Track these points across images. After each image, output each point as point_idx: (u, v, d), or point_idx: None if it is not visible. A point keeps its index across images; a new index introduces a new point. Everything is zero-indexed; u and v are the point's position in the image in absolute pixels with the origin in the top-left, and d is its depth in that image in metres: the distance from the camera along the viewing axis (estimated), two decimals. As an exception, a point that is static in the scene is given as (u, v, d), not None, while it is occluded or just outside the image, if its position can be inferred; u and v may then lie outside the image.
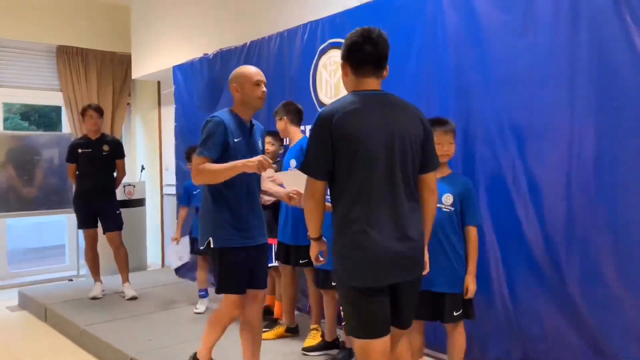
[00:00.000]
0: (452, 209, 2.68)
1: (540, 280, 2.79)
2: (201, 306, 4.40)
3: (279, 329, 3.74)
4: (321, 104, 3.95)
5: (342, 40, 3.65)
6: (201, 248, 2.79)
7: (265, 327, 3.74)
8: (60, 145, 6.21)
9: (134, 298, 4.85)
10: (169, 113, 6.53)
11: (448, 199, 2.68)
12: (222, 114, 2.77)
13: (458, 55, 3.11)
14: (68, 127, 6.72)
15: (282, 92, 4.36)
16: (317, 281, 3.33)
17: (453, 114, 3.08)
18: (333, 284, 3.14)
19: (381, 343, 2.07)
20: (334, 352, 3.33)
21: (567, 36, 2.66)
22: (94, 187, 4.86)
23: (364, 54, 2.13)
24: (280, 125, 3.60)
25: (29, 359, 3.83)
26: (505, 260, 2.93)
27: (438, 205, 2.60)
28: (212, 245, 2.72)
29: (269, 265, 3.82)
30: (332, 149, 2.02)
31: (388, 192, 2.03)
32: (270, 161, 2.58)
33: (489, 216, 2.97)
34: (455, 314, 2.69)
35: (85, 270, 6.32)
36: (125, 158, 5.15)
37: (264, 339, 3.56)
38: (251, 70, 2.83)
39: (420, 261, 2.14)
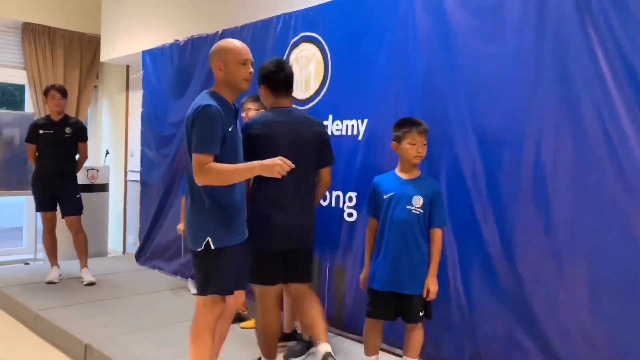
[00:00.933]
0: (422, 211, 2.70)
1: (495, 281, 2.86)
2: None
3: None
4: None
5: (316, 35, 3.77)
6: (198, 250, 2.46)
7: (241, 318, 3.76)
8: (22, 125, 6.03)
9: (91, 283, 4.77)
10: (136, 98, 6.41)
11: (419, 201, 2.69)
12: (209, 99, 2.40)
13: (427, 57, 3.15)
14: (31, 106, 6.54)
15: (253, 84, 4.32)
16: None
17: (419, 114, 3.11)
18: None
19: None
20: (292, 343, 3.35)
21: (532, 44, 2.73)
22: (54, 170, 4.76)
23: (279, 80, 2.89)
24: (253, 115, 3.55)
25: (-22, 343, 3.73)
26: (462, 260, 3.00)
27: (408, 207, 2.68)
28: (212, 247, 2.43)
29: None
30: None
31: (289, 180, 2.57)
32: (289, 162, 2.33)
33: (449, 217, 3.02)
34: (420, 314, 2.74)
35: (42, 254, 6.18)
36: (88, 141, 5.05)
37: (245, 328, 3.66)
38: (237, 45, 2.49)
39: (306, 235, 2.88)
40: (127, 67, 6.71)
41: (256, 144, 2.73)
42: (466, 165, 2.95)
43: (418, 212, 2.69)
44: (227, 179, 2.40)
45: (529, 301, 2.73)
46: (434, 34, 3.12)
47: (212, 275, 2.49)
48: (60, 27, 6.63)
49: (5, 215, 7.94)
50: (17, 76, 6.55)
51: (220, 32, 4.68)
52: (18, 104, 7.41)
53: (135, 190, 6.40)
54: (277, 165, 2.30)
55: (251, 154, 2.61)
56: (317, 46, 3.78)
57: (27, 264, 5.96)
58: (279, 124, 2.81)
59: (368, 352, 2.88)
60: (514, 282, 2.79)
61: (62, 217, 4.87)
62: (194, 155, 2.37)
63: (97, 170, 6.20)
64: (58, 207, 4.90)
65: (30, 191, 6.08)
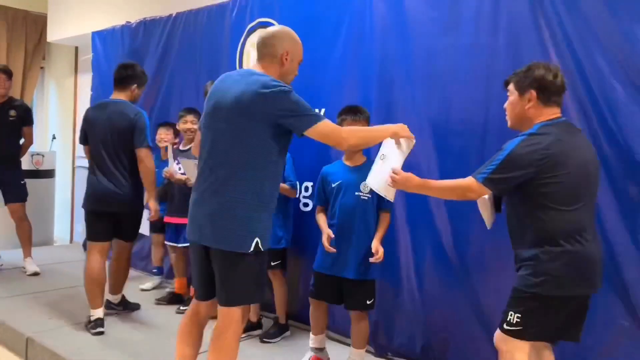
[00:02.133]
0: (370, 196, 2.74)
1: (446, 271, 2.90)
2: (150, 283, 4.28)
3: None
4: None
5: (271, 20, 3.70)
6: (246, 252, 2.14)
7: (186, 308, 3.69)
8: (-39, 107, 5.71)
9: (35, 274, 4.58)
10: (86, 81, 6.16)
11: (366, 187, 2.70)
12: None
13: (383, 48, 3.14)
14: (-29, 88, 6.19)
15: (208, 69, 4.23)
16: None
17: (375, 105, 3.12)
18: (272, 264, 3.21)
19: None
20: (257, 332, 3.37)
21: (486, 38, 2.76)
22: (3, 155, 4.53)
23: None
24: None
25: None
26: (415, 250, 3.01)
27: (356, 193, 2.73)
28: (261, 248, 2.17)
29: (183, 244, 3.79)
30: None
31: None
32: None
33: (403, 206, 3.04)
34: (368, 302, 2.76)
35: (-17, 243, 5.91)
36: (33, 125, 4.82)
37: None
38: (300, 42, 2.36)
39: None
40: (76, 48, 6.43)
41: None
42: (421, 155, 2.95)
43: (366, 198, 2.74)
44: (370, 140, 2.37)
45: (477, 290, 2.77)
46: (390, 24, 3.11)
47: (259, 281, 2.24)
48: (3, 4, 6.29)
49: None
50: (-46, 55, 6.19)
51: (174, 15, 4.55)
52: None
53: (83, 177, 6.17)
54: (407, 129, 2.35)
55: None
56: (274, 33, 3.71)
57: (-34, 253, 5.66)
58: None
59: (314, 332, 2.93)
60: (463, 271, 2.83)
61: (5, 205, 4.65)
62: (319, 125, 2.12)
63: (43, 156, 5.95)
64: (0, 195, 4.67)
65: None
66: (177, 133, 4.13)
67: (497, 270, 2.72)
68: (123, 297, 3.73)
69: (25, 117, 4.70)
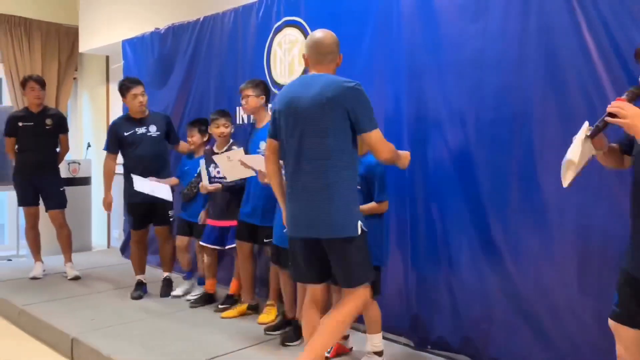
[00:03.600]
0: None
1: (483, 261, 2.85)
2: (180, 290, 4.16)
3: (241, 307, 3.72)
4: (275, 83, 3.89)
5: (298, 19, 3.72)
6: (356, 235, 2.34)
7: (226, 306, 3.79)
8: (0, 118, 5.90)
9: (76, 278, 4.70)
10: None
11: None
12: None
13: (411, 39, 3.11)
14: (9, 100, 6.40)
15: (235, 71, 4.28)
16: (278, 259, 3.31)
17: (405, 96, 3.10)
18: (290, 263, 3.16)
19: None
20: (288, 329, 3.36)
21: (517, 23, 2.71)
22: (36, 163, 4.64)
23: None
24: (254, 103, 3.52)
25: (-39, 340, 3.65)
26: (452, 243, 2.98)
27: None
28: (364, 229, 2.39)
29: (229, 246, 3.81)
30: None
31: None
32: None
33: (437, 197, 3.01)
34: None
35: (25, 250, 6.07)
36: (68, 133, 4.94)
37: (225, 317, 3.64)
38: None
39: None
40: (107, 57, 6.58)
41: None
42: (453, 146, 2.93)
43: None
44: (395, 160, 2.49)
45: (517, 280, 2.73)
46: (417, 14, 3.08)
47: (369, 259, 2.45)
48: (37, 18, 6.48)
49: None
50: (-7, 69, 6.40)
51: (201, 19, 4.61)
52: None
53: (118, 184, 6.29)
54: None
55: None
56: (301, 30, 3.73)
57: (10, 260, 5.85)
58: None
59: None
60: (502, 261, 2.79)
61: (46, 211, 4.76)
62: (375, 131, 2.33)
63: (79, 164, 6.09)
64: (41, 202, 4.80)
65: (10, 186, 5.98)
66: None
67: (536, 257, 2.67)
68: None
69: (61, 125, 4.81)
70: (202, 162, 3.89)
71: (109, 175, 4.24)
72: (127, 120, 4.19)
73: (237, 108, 4.21)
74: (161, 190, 3.93)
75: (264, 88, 3.57)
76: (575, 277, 2.56)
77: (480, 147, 2.86)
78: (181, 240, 4.17)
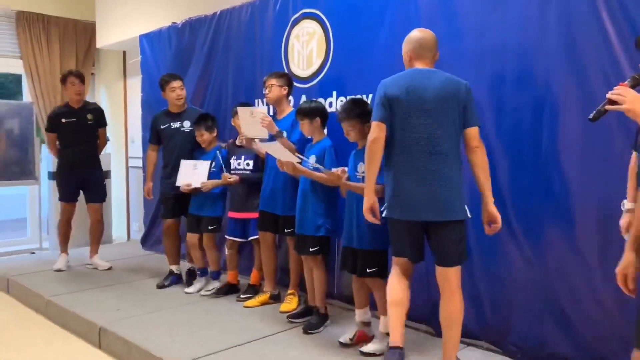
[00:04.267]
0: (364, 175, 2.80)
1: (508, 246, 2.88)
2: (193, 287, 4.14)
3: (263, 297, 3.79)
4: (293, 75, 3.93)
5: (316, 11, 3.75)
6: (464, 218, 2.58)
7: (248, 295, 3.86)
8: (21, 115, 6.02)
9: (109, 269, 4.83)
10: (135, 84, 6.38)
11: (361, 167, 2.91)
12: None
13: (430, 27, 3.09)
14: (29, 96, 6.50)
15: (253, 64, 4.33)
16: (297, 248, 3.38)
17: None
18: (310, 250, 3.24)
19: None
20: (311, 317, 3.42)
21: (536, 9, 2.72)
22: (80, 158, 4.71)
23: None
24: (277, 92, 3.59)
25: (-8, 330, 3.76)
26: (472, 231, 3.01)
27: (354, 172, 2.94)
28: (468, 215, 2.62)
29: (252, 238, 3.87)
30: None
31: None
32: None
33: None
34: (368, 270, 2.90)
35: (48, 243, 6.21)
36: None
37: (247, 307, 3.71)
38: None
39: None
40: (124, 52, 6.66)
41: None
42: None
43: (361, 177, 2.90)
44: None
45: (538, 267, 2.76)
46: (437, 4, 3.11)
47: (463, 243, 2.61)
48: (54, 14, 6.56)
49: (8, 207, 7.96)
50: (13, 66, 6.49)
51: (218, 13, 4.65)
52: (11, 95, 7.36)
53: (136, 177, 6.40)
54: None
55: None
56: (319, 22, 3.76)
57: (33, 253, 5.96)
58: None
59: (357, 306, 3.11)
60: (523, 248, 2.82)
61: (87, 204, 4.88)
62: (477, 127, 2.56)
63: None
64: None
65: (33, 180, 6.12)
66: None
67: (559, 243, 2.69)
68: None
69: (101, 119, 4.88)
70: (218, 153, 3.98)
71: (150, 165, 4.43)
72: (166, 114, 4.31)
73: (256, 100, 4.26)
74: (198, 174, 3.99)
75: (288, 80, 3.62)
76: (596, 262, 2.58)
77: (501, 135, 2.88)
78: (192, 237, 4.18)
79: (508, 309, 2.91)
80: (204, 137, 4.07)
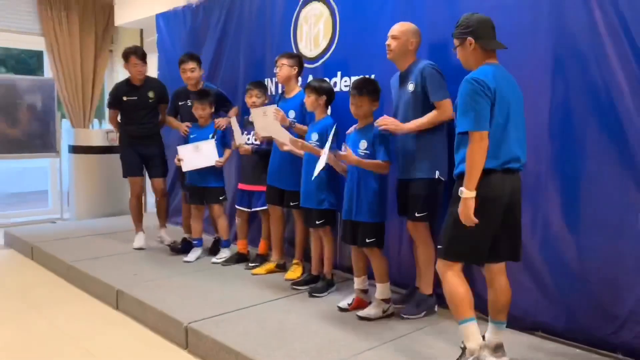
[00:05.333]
0: (368, 152, 3.08)
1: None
2: (192, 255, 4.37)
3: (269, 265, 4.03)
4: (301, 55, 4.08)
5: (323, -7, 3.88)
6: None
7: (256, 264, 4.09)
8: (42, 90, 6.28)
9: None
10: (151, 61, 6.52)
11: (363, 144, 3.13)
12: None
13: (432, 11, 3.27)
14: (50, 72, 6.75)
15: (264, 44, 4.49)
16: (306, 220, 3.60)
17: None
18: (317, 222, 3.48)
19: None
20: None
21: (530, -4, 2.85)
22: (142, 134, 4.72)
23: None
24: (287, 71, 3.76)
25: (17, 292, 4.04)
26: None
27: (356, 149, 3.08)
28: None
29: (260, 208, 4.10)
30: None
31: None
32: None
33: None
34: (367, 240, 3.10)
35: (68, 214, 6.51)
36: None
37: (255, 274, 3.94)
38: None
39: None
40: (141, 30, 6.85)
41: None
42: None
43: (364, 154, 3.10)
44: None
45: (523, 240, 2.92)
46: (437, -12, 3.23)
47: None
48: (74, -7, 6.77)
49: (30, 179, 8.27)
50: (34, 42, 6.72)
51: (231, -6, 4.80)
52: (32, 71, 7.60)
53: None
54: None
55: None
56: (326, 4, 3.91)
57: (54, 222, 6.27)
58: None
59: (356, 274, 3.32)
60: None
61: (150, 179, 4.91)
62: None
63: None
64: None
65: (54, 154, 6.39)
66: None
67: (544, 223, 2.86)
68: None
69: (162, 96, 4.80)
70: (234, 120, 4.11)
71: (172, 123, 4.65)
72: (184, 90, 4.52)
73: (266, 80, 4.44)
74: (205, 154, 4.16)
75: (298, 61, 3.79)
76: (579, 238, 2.74)
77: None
78: (197, 209, 4.39)
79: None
80: (206, 111, 4.24)
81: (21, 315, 3.54)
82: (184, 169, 4.27)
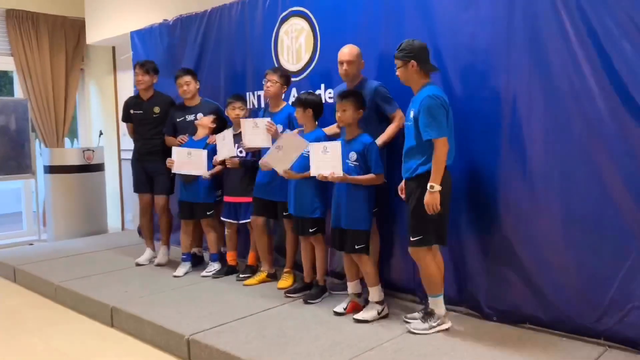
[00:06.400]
0: (357, 163, 3.23)
1: (479, 223, 3.23)
2: (182, 269, 4.39)
3: (261, 275, 4.09)
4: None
5: (303, 9, 4.02)
6: None
7: (247, 275, 4.15)
8: (16, 110, 6.22)
9: (163, 264, 4.69)
10: (125, 78, 6.59)
11: (352, 156, 3.24)
12: None
13: (410, 24, 3.43)
14: (20, 92, 6.66)
15: (244, 59, 4.59)
16: (299, 230, 3.69)
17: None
18: (310, 231, 3.57)
19: None
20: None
21: (504, 10, 3.04)
22: (147, 150, 4.65)
23: None
24: (277, 89, 3.87)
25: (5, 316, 3.99)
26: (465, 207, 3.32)
27: (346, 161, 3.22)
28: None
29: (245, 221, 4.16)
30: None
31: None
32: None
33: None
34: (356, 247, 3.23)
35: (46, 235, 6.42)
36: (81, 122, 5.17)
37: (247, 285, 4.01)
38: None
39: None
40: (113, 48, 6.84)
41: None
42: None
43: (354, 165, 3.22)
44: None
45: (509, 237, 3.10)
46: (415, 2, 3.40)
47: None
48: (44, 12, 6.72)
49: (2, 201, 8.10)
50: (4, 63, 6.63)
51: (209, 11, 4.89)
52: (3, 92, 7.47)
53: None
54: None
55: None
56: (306, 20, 4.04)
57: (32, 244, 6.17)
58: None
59: (349, 279, 3.44)
60: (496, 222, 3.16)
61: (155, 196, 4.73)
62: None
63: (93, 151, 6.39)
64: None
65: (29, 175, 6.31)
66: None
67: (526, 219, 3.04)
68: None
69: (169, 111, 4.64)
70: (230, 132, 4.11)
71: (170, 142, 4.50)
72: (181, 107, 4.53)
73: (247, 94, 4.53)
74: (195, 163, 4.19)
75: (288, 80, 3.92)
76: (560, 233, 2.93)
77: (474, 122, 3.20)
78: (186, 224, 4.45)
79: (484, 277, 3.25)
80: (190, 86, 4.35)
81: (16, 339, 3.52)
82: (173, 170, 4.30)
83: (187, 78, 4.40)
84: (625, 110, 2.67)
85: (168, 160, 4.32)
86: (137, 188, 4.83)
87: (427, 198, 2.87)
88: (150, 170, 4.70)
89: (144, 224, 4.92)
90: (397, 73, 3.05)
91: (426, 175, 2.89)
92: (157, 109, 4.64)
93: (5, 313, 4.03)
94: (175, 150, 4.30)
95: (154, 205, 4.80)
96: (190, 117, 4.45)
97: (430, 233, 2.97)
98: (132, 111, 4.71)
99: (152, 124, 4.64)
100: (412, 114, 2.99)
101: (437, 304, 3.07)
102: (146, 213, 4.88)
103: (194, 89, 4.45)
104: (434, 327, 3.05)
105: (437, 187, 2.85)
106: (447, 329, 3.07)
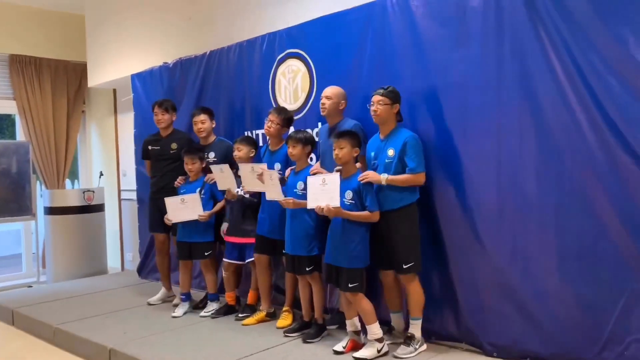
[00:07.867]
0: (353, 202, 3.25)
1: (476, 257, 3.23)
2: (180, 310, 4.37)
3: (260, 315, 4.06)
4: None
5: (300, 51, 4.13)
6: None
7: (246, 314, 4.13)
8: (18, 153, 6.28)
9: (153, 303, 4.75)
10: (125, 120, 6.68)
11: (348, 195, 3.27)
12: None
13: (404, 64, 3.52)
14: (23, 135, 6.76)
15: (243, 99, 4.68)
16: (293, 268, 3.69)
17: (406, 116, 3.44)
18: (307, 269, 3.57)
19: None
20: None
21: (493, 48, 3.13)
22: (162, 188, 4.59)
23: None
24: (278, 131, 3.94)
25: None
26: (449, 239, 3.36)
27: (342, 199, 3.23)
28: None
29: (248, 260, 4.16)
30: None
31: None
32: None
33: (436, 205, 3.40)
34: (350, 285, 3.23)
35: (45, 277, 6.40)
36: (82, 164, 5.22)
37: (246, 324, 3.98)
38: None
39: None
40: (114, 90, 6.97)
41: None
42: (444, 159, 3.33)
43: (350, 203, 3.26)
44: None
45: (506, 272, 3.11)
46: (408, 43, 3.50)
47: None
48: (46, 56, 6.88)
49: (2, 243, 8.11)
50: (6, 107, 6.75)
51: (208, 53, 5.01)
52: (6, 135, 7.57)
53: (129, 209, 6.65)
54: None
55: None
56: (302, 61, 4.15)
57: (30, 286, 6.14)
58: None
59: (347, 316, 3.41)
60: (492, 257, 3.17)
61: (173, 235, 4.63)
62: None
63: (93, 192, 6.43)
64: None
65: (29, 217, 6.34)
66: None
67: (521, 252, 3.05)
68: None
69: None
70: (227, 166, 4.10)
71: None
72: (197, 146, 4.54)
73: (246, 132, 4.61)
74: (189, 207, 4.20)
75: (289, 122, 4.00)
76: (555, 266, 2.94)
77: (467, 159, 3.25)
78: (185, 264, 4.45)
79: (482, 312, 3.24)
80: (195, 165, 4.32)
81: (12, 383, 3.48)
82: (171, 220, 4.32)
83: (203, 117, 4.43)
84: (616, 143, 2.72)
85: (165, 218, 4.32)
86: (152, 228, 4.80)
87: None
88: (164, 209, 4.51)
89: (160, 264, 4.86)
90: (378, 109, 3.26)
91: (412, 207, 3.24)
92: (174, 145, 4.61)
93: (5, 358, 3.99)
94: (167, 201, 4.27)
95: (169, 244, 4.74)
96: (207, 156, 4.46)
97: (418, 259, 3.26)
98: (150, 147, 4.70)
99: (169, 159, 4.61)
100: (390, 152, 3.23)
101: (417, 328, 3.30)
102: (161, 252, 4.83)
103: (209, 127, 4.47)
104: (417, 349, 3.26)
105: (384, 181, 3.18)
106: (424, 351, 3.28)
